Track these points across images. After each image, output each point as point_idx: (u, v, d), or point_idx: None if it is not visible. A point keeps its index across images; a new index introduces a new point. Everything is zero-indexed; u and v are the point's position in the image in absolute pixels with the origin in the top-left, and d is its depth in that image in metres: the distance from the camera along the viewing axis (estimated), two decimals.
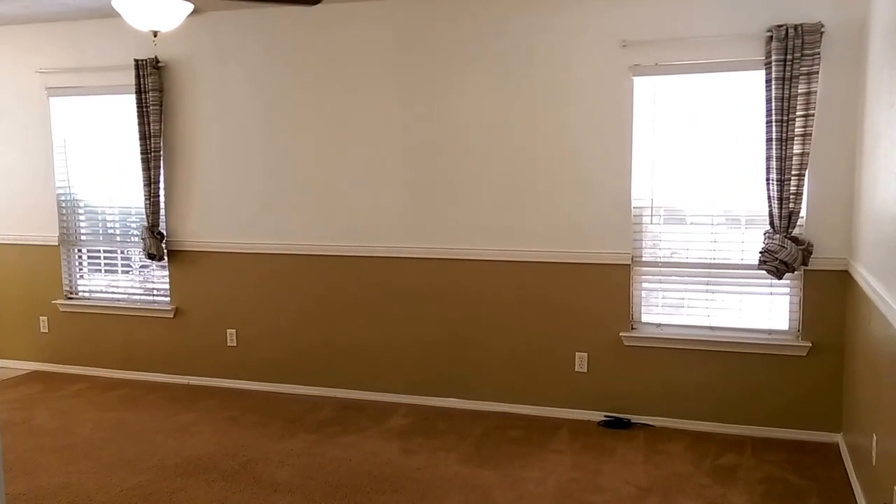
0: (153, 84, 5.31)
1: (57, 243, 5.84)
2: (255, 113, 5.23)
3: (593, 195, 4.58)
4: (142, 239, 5.48)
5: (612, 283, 4.59)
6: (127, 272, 5.85)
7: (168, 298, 5.62)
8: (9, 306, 6.04)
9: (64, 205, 5.85)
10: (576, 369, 4.72)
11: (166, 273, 5.61)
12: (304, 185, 5.15)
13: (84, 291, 5.92)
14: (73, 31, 5.61)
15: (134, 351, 5.71)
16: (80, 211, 5.86)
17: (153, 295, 5.72)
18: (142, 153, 5.38)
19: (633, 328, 4.63)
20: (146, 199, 5.41)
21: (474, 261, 4.84)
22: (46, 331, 5.95)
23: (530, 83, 4.62)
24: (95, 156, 5.75)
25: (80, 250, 5.92)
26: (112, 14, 5.37)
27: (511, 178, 4.72)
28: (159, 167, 5.43)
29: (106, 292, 5.87)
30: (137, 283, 5.78)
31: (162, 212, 5.52)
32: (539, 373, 4.79)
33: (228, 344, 5.45)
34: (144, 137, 5.37)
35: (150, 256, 5.45)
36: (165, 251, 5.51)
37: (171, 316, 5.57)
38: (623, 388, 4.64)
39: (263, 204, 5.26)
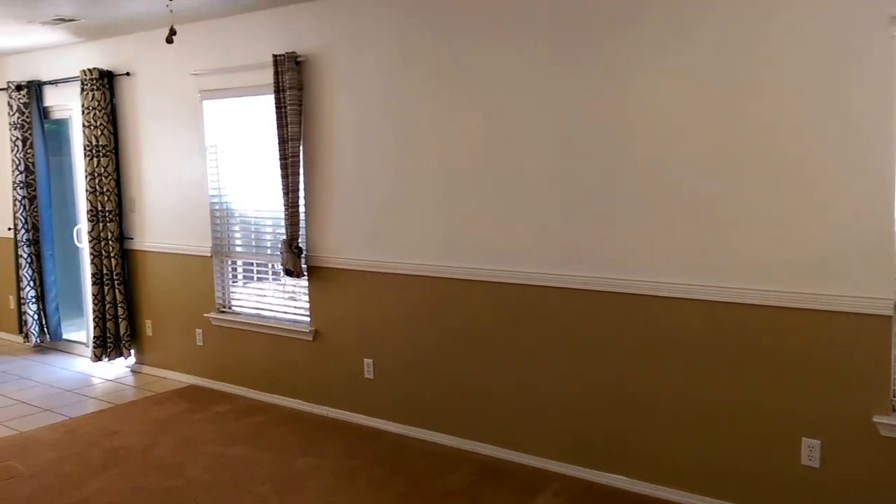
0: (291, 81, 4.76)
1: (210, 254, 5.56)
2: (395, 113, 4.47)
3: (835, 212, 3.19)
4: (280, 253, 4.98)
5: (863, 341, 3.17)
6: (276, 288, 5.42)
7: (308, 319, 5.08)
8: (172, 316, 5.90)
9: (217, 213, 5.55)
10: (802, 462, 3.37)
11: (307, 292, 5.08)
12: (448, 198, 4.30)
13: (236, 306, 5.60)
14: (219, 29, 5.25)
15: (278, 373, 5.26)
16: (232, 220, 5.52)
17: (296, 315, 5.22)
18: (280, 158, 4.86)
19: (895, 411, 3.20)
20: (285, 208, 4.89)
21: (653, 297, 3.67)
22: (201, 344, 5.72)
23: (729, 47, 3.37)
24: (245, 162, 5.36)
25: (233, 262, 5.60)
26: (254, 7, 4.92)
27: (704, 187, 3.49)
28: (298, 174, 4.89)
29: (254, 308, 5.49)
30: (284, 300, 5.32)
31: (302, 223, 4.98)
32: (745, 459, 3.50)
33: (365, 375, 4.79)
34: (283, 141, 4.85)
35: (288, 273, 4.94)
36: (305, 267, 4.98)
37: (311, 339, 5.03)
38: (878, 499, 3.23)
39: (405, 218, 4.50)
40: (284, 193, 4.88)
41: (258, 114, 5.19)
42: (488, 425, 4.28)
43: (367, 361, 4.76)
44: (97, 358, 6.17)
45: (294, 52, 4.78)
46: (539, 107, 3.92)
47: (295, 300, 5.21)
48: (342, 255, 4.81)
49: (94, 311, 6.13)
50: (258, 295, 5.49)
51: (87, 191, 6.09)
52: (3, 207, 7.18)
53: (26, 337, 6.88)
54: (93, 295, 6.13)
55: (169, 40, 3.34)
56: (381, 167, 4.56)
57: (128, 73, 5.91)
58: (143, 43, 5.75)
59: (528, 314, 4.07)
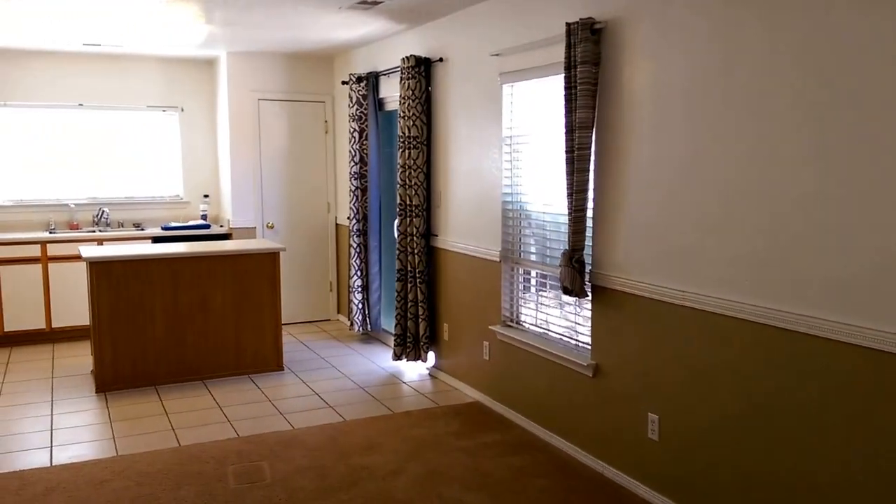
0: (584, 55, 3.83)
1: (499, 259, 4.90)
2: (721, 98, 3.27)
3: None
4: (559, 267, 4.10)
5: None
6: (563, 305, 4.54)
7: (589, 350, 4.12)
8: (465, 323, 5.39)
9: (509, 214, 4.86)
10: None
11: (589, 317, 4.12)
12: (781, 217, 3.00)
13: (524, 320, 4.86)
14: (520, 2, 4.52)
15: (556, 407, 4.40)
16: (524, 223, 4.78)
17: (578, 342, 4.30)
18: (566, 151, 3.98)
19: None
20: (569, 213, 4.00)
21: None
22: (487, 358, 5.10)
23: None
24: (541, 156, 4.57)
25: (526, 272, 4.86)
26: None
27: None
28: (586, 170, 3.94)
29: (540, 327, 4.68)
30: (568, 322, 4.43)
31: (588, 232, 4.04)
32: None
33: (648, 435, 3.68)
34: (570, 130, 3.95)
35: (567, 291, 4.04)
36: (588, 287, 4.03)
37: (590, 375, 4.07)
38: None
39: (714, 237, 3.29)
40: (568, 194, 3.98)
41: (556, 98, 4.36)
42: None
43: (652, 417, 3.65)
44: (396, 357, 5.95)
45: (591, 19, 3.84)
46: None
47: (579, 324, 4.29)
48: (630, 275, 3.76)
49: (396, 308, 5.92)
50: (546, 312, 4.67)
51: (398, 184, 5.88)
52: (347, 196, 7.42)
53: (352, 325, 7.01)
54: (396, 292, 5.91)
55: None
56: (689, 167, 3.40)
57: (441, 59, 5.52)
58: (454, 25, 5.29)
59: (871, 390, 2.61)
